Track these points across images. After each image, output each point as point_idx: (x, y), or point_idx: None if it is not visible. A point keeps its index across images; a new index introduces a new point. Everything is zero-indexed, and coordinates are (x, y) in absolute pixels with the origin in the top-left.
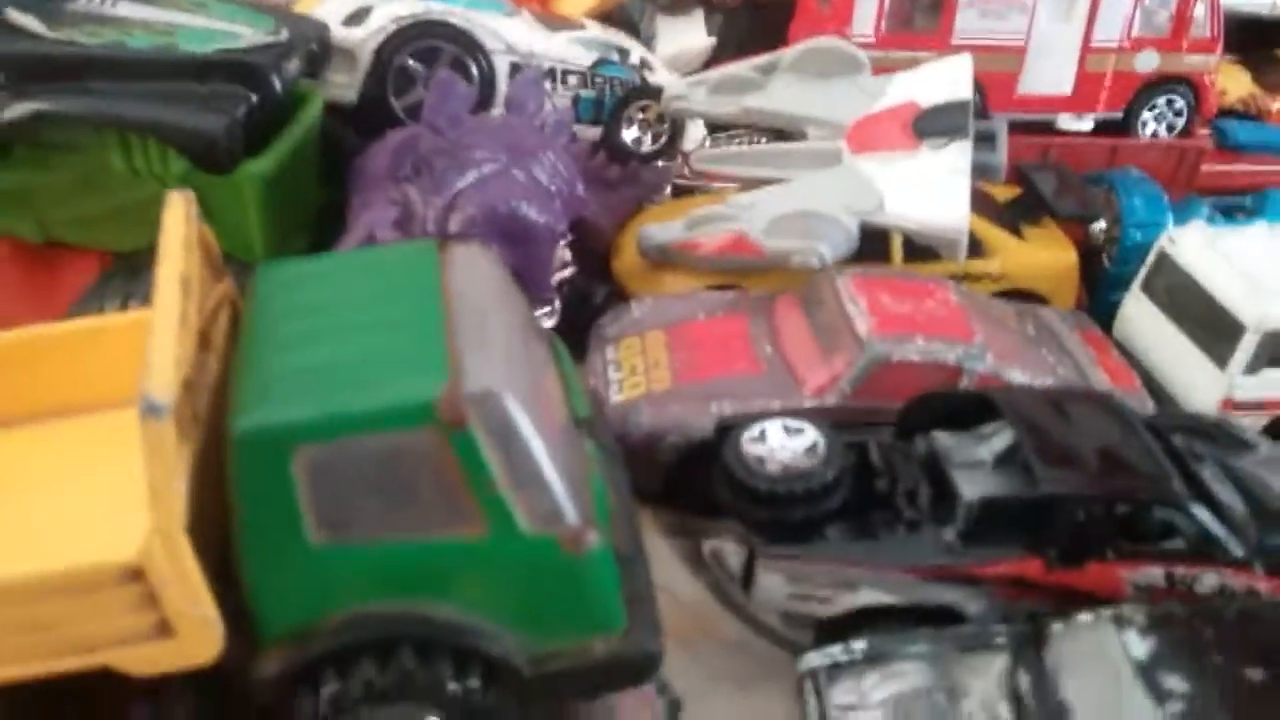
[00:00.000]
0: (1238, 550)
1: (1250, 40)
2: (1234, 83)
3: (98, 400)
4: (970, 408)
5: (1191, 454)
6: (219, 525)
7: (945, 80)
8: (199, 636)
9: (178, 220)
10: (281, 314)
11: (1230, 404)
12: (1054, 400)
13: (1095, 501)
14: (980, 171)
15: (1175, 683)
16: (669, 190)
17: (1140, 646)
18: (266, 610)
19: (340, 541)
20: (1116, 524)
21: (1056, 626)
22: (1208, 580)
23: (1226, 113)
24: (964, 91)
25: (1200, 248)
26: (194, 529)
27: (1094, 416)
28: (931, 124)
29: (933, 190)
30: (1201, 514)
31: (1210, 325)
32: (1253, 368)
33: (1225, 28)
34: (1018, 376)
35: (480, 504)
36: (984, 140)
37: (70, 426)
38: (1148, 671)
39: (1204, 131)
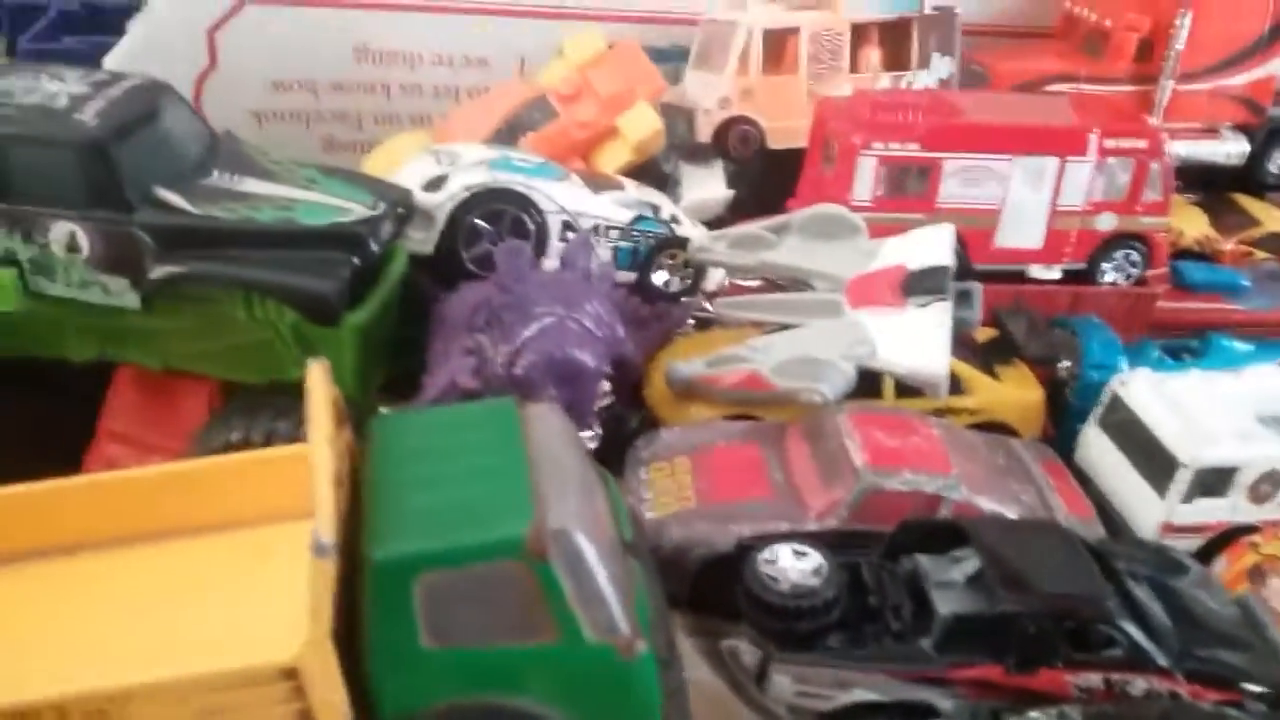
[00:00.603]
0: (1162, 660)
1: (1207, 184)
2: (1191, 224)
3: (243, 520)
4: (946, 534)
5: (1131, 575)
6: (343, 628)
7: (929, 247)
8: None
9: (319, 386)
10: (399, 460)
11: (1170, 528)
12: (1013, 529)
13: (1043, 617)
14: (958, 324)
15: None
16: (691, 323)
17: None
18: (385, 700)
19: (445, 646)
20: (1065, 636)
21: None
22: (1138, 685)
23: (1184, 253)
24: (945, 258)
25: (1146, 391)
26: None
27: (1046, 543)
28: (917, 285)
29: (918, 341)
30: (1129, 628)
31: (1152, 459)
32: (1188, 497)
33: (1185, 173)
34: (987, 504)
35: (554, 618)
36: (962, 297)
37: (224, 540)
38: None
39: (1158, 272)
